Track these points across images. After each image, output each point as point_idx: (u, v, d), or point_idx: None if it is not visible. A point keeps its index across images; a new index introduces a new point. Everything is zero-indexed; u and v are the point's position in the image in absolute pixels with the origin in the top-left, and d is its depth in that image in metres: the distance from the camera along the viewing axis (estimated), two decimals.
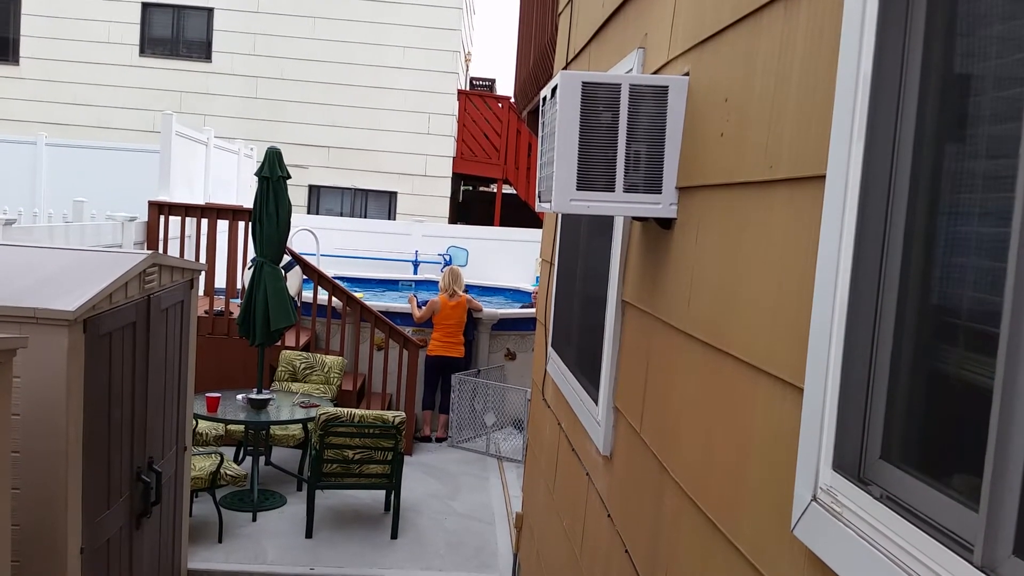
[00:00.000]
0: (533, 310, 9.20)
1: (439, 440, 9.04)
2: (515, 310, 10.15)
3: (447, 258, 13.37)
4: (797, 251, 1.59)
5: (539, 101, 2.81)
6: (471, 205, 19.05)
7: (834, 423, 1.37)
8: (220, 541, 6.04)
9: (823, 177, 1.46)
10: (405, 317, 9.13)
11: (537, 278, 9.84)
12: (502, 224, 15.27)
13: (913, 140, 1.29)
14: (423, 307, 8.93)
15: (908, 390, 1.29)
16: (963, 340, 1.19)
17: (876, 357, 1.33)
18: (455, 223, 15.92)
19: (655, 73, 2.71)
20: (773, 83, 1.76)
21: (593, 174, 2.37)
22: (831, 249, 1.40)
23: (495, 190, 16.43)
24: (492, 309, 9.89)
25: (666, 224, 2.50)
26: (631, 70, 2.91)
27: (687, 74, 2.38)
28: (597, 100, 2.34)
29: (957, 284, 1.20)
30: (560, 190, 2.37)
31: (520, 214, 15.68)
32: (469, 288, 11.81)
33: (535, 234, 11.15)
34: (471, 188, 19.75)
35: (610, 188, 2.38)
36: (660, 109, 2.37)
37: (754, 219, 1.84)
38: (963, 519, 1.08)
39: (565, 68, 4.59)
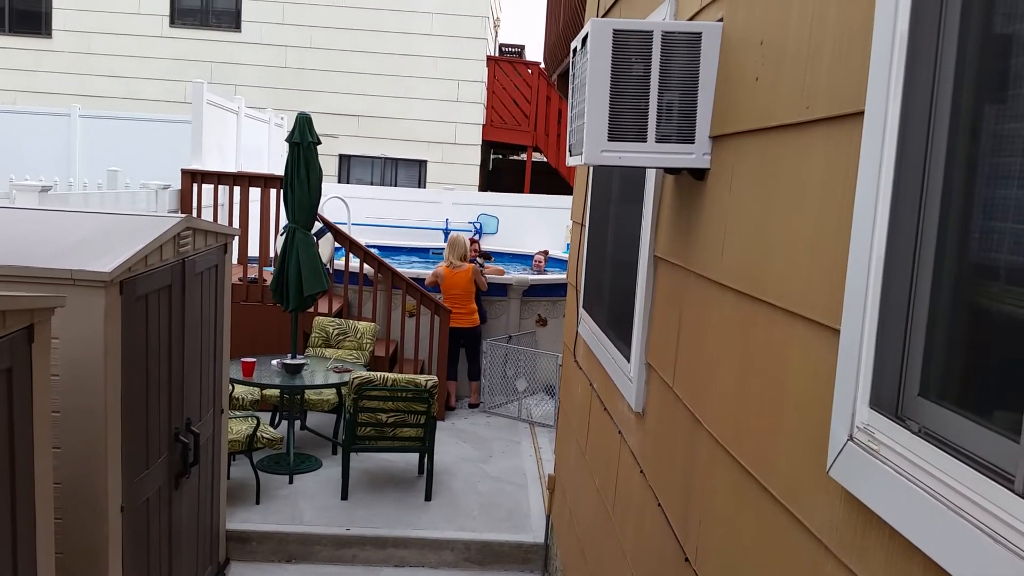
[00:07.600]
0: (563, 275, 9.17)
1: (472, 406, 9.08)
2: (541, 276, 10.12)
3: (478, 226, 13.35)
4: (834, 191, 1.57)
5: (569, 62, 2.78)
6: (501, 172, 19.00)
7: (871, 361, 1.35)
8: (258, 502, 6.13)
9: (861, 114, 1.43)
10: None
11: (567, 245, 9.80)
12: (532, 191, 15.22)
13: (954, 71, 1.26)
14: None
15: (947, 326, 1.26)
16: (1003, 274, 1.17)
17: (915, 293, 1.30)
18: (485, 191, 15.89)
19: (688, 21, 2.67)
20: (810, 20, 1.72)
21: (624, 125, 2.34)
22: (870, 185, 1.37)
23: (525, 157, 16.36)
24: (522, 275, 9.88)
25: (699, 175, 2.46)
26: (664, 19, 2.86)
27: (721, 20, 2.34)
28: (628, 49, 2.31)
29: (998, 217, 1.18)
30: (591, 142, 2.35)
31: (550, 181, 15.62)
32: (499, 255, 11.80)
33: (566, 201, 11.08)
34: (501, 156, 19.70)
35: (642, 139, 2.35)
36: (693, 57, 2.33)
37: (790, 162, 1.81)
38: (1004, 450, 1.06)
39: None
